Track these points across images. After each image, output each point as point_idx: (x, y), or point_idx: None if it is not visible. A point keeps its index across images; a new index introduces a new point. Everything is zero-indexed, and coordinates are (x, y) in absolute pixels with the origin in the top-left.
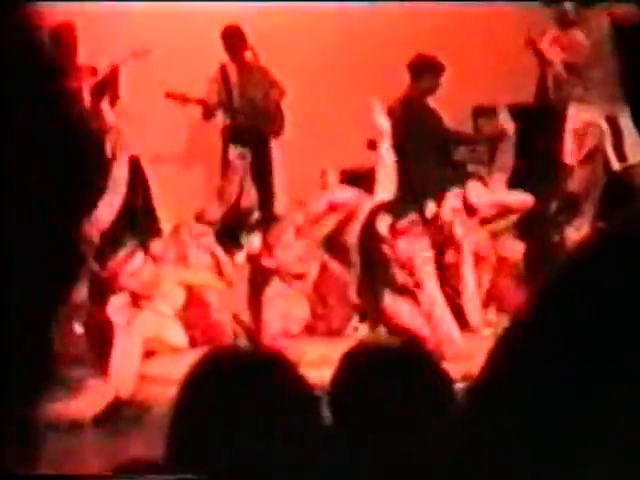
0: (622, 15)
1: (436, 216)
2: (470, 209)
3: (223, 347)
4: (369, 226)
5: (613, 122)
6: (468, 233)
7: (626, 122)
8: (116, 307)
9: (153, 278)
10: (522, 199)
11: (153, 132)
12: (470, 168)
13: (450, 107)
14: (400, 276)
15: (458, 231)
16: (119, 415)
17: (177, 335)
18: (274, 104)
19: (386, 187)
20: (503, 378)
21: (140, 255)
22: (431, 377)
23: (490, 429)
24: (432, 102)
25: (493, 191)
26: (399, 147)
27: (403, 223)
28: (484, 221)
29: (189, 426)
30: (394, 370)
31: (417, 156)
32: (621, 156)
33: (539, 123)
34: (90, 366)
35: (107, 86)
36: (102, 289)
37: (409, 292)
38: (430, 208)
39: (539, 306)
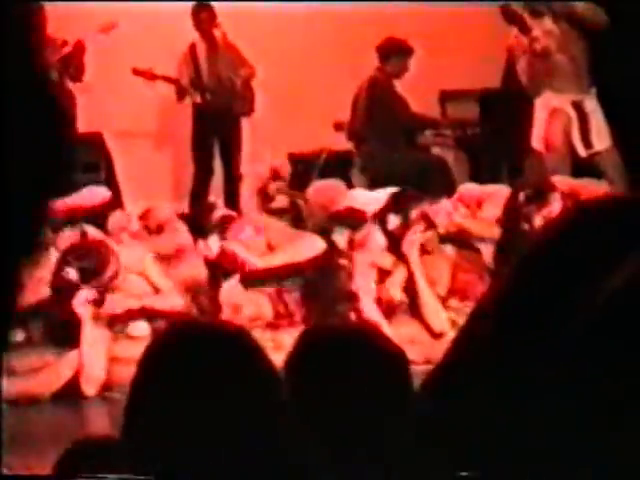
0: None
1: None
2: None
3: (183, 321)
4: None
5: (579, 108)
6: (414, 240)
7: (592, 107)
8: (81, 301)
9: (116, 272)
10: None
11: (123, 109)
12: (435, 151)
13: (417, 91)
14: (348, 285)
15: (407, 241)
16: (78, 393)
17: (140, 326)
18: (244, 83)
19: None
20: (468, 361)
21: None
22: (387, 358)
23: (454, 412)
24: (399, 86)
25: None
26: (364, 131)
27: (359, 236)
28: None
29: (145, 403)
30: (349, 350)
31: (382, 140)
32: (587, 143)
33: (506, 109)
34: (55, 349)
35: (72, 60)
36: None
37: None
38: (393, 222)
39: (507, 287)
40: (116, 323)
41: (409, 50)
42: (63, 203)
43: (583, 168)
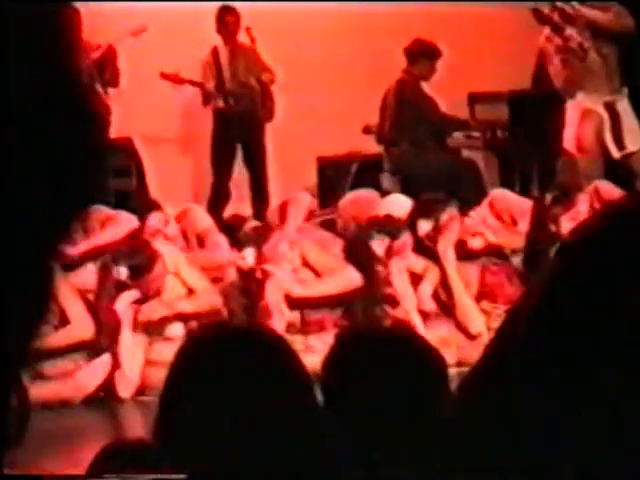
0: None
1: (428, 236)
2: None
3: (215, 324)
4: (363, 244)
5: (611, 108)
6: (447, 241)
7: (624, 108)
8: (125, 302)
9: (161, 273)
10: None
11: (148, 114)
12: (465, 153)
13: (446, 94)
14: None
15: (440, 247)
16: (110, 396)
17: (174, 328)
18: (265, 89)
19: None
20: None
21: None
22: (423, 360)
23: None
24: (427, 88)
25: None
26: (394, 133)
27: (398, 244)
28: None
29: (177, 406)
30: (387, 353)
31: (412, 142)
32: (620, 144)
33: (536, 111)
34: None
35: (105, 65)
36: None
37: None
38: (424, 228)
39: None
40: (152, 326)
41: (437, 52)
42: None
43: (616, 170)
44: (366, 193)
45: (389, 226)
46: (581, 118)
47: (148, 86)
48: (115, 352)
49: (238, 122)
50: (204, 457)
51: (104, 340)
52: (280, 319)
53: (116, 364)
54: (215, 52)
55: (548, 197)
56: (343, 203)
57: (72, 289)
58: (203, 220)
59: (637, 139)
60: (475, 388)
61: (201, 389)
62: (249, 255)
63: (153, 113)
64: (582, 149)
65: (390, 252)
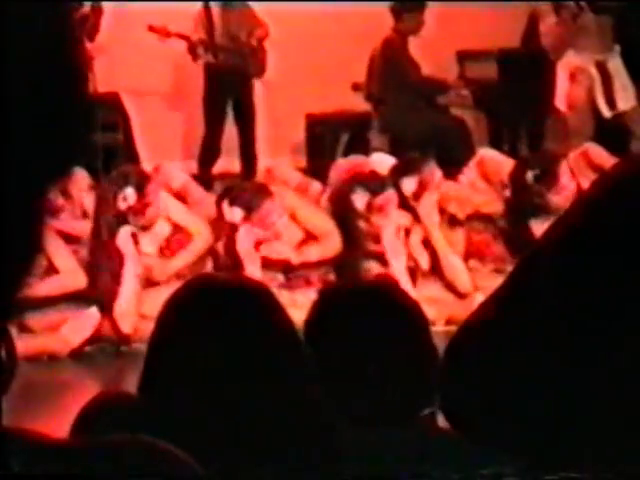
0: None
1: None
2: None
3: (203, 276)
4: (344, 199)
5: (602, 67)
6: (428, 203)
7: (616, 66)
8: (125, 238)
9: (155, 212)
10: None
11: (137, 68)
12: (454, 111)
13: (435, 52)
14: (374, 247)
15: (422, 210)
16: (98, 349)
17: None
18: (258, 44)
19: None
20: (501, 322)
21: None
22: (405, 314)
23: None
24: (417, 46)
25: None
26: (380, 92)
27: (379, 200)
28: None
29: (164, 358)
30: (369, 308)
31: (399, 101)
32: (611, 103)
33: (526, 69)
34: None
35: (88, 20)
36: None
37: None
38: (408, 187)
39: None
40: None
41: (421, 4)
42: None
43: (607, 130)
44: (358, 159)
45: (372, 182)
46: (572, 76)
47: (138, 40)
48: (110, 298)
49: (229, 77)
50: (189, 410)
51: (99, 290)
52: (254, 267)
53: (110, 307)
54: (207, 6)
55: (529, 175)
56: (334, 168)
57: (58, 236)
58: (178, 177)
59: (629, 98)
60: (472, 347)
61: (188, 341)
62: (237, 214)
63: (142, 67)
64: (572, 107)
65: (371, 207)
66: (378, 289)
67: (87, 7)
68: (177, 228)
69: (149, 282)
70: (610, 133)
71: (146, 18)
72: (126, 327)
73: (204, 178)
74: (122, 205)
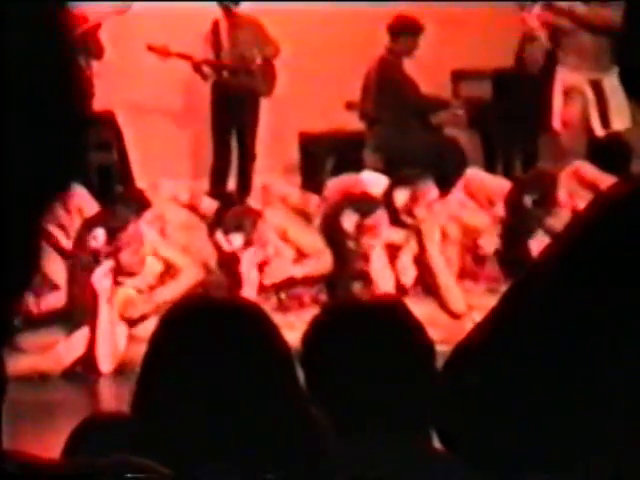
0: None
1: (406, 207)
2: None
3: (197, 296)
4: (334, 220)
5: (597, 87)
6: (430, 216)
7: (612, 86)
8: (100, 276)
9: (142, 255)
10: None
11: (137, 86)
12: (448, 131)
13: (430, 71)
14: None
15: (425, 227)
16: (89, 369)
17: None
18: (267, 62)
19: None
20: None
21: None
22: (410, 337)
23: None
24: (412, 65)
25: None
26: (375, 112)
27: (369, 221)
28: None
29: (157, 378)
30: (372, 328)
31: (393, 120)
32: (605, 122)
33: (520, 88)
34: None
35: (90, 38)
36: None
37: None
38: (400, 199)
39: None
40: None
41: (419, 28)
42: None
43: (600, 149)
44: (350, 178)
45: (362, 204)
46: (566, 95)
47: (144, 59)
48: (93, 326)
49: (235, 95)
50: (183, 430)
51: (79, 312)
52: (251, 289)
53: (94, 338)
54: (215, 25)
55: (528, 200)
56: (327, 187)
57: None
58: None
59: (624, 118)
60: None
61: (180, 362)
62: (236, 241)
63: (143, 85)
64: (566, 125)
65: (361, 228)
66: (383, 308)
67: (88, 24)
68: (168, 265)
69: (136, 318)
70: (605, 152)
71: (148, 35)
72: (105, 367)
73: (217, 195)
74: (93, 244)
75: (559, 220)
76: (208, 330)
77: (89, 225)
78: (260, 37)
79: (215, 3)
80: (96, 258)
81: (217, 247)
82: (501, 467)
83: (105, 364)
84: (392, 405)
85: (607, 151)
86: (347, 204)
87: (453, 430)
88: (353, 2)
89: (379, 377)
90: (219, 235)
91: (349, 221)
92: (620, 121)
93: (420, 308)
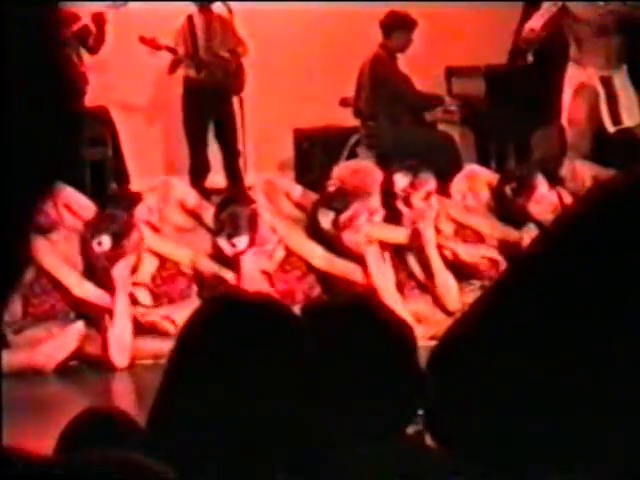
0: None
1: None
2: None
3: (219, 296)
4: (314, 222)
5: (608, 83)
6: (427, 220)
7: (622, 84)
8: (121, 269)
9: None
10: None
11: (125, 83)
12: (441, 127)
13: (423, 68)
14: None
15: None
16: (83, 364)
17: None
18: (237, 61)
19: None
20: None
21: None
22: (389, 331)
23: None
24: (405, 62)
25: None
26: (369, 108)
27: (345, 216)
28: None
29: (182, 379)
30: (350, 325)
31: (387, 117)
32: (616, 119)
33: (514, 85)
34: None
35: (89, 33)
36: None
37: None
38: (400, 184)
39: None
40: None
41: (412, 23)
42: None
43: (610, 145)
44: (364, 163)
45: (335, 201)
46: (575, 92)
47: (125, 54)
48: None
49: (208, 93)
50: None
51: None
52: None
53: (105, 333)
54: (190, 20)
55: (507, 190)
56: (340, 173)
57: (56, 255)
58: (189, 195)
59: (634, 114)
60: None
61: (207, 362)
62: (241, 243)
63: (129, 81)
64: (572, 121)
65: (338, 225)
66: (360, 306)
67: (87, 18)
68: (164, 260)
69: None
70: (612, 148)
71: (135, 30)
72: (121, 362)
73: (199, 192)
74: (97, 249)
75: (544, 210)
76: (241, 330)
77: (93, 232)
78: (230, 35)
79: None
80: (101, 261)
81: (218, 250)
82: (489, 462)
83: (122, 359)
84: (374, 401)
85: (617, 147)
86: (320, 204)
87: (441, 425)
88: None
89: (358, 373)
90: (221, 241)
91: (326, 220)
92: (630, 117)
93: (413, 305)
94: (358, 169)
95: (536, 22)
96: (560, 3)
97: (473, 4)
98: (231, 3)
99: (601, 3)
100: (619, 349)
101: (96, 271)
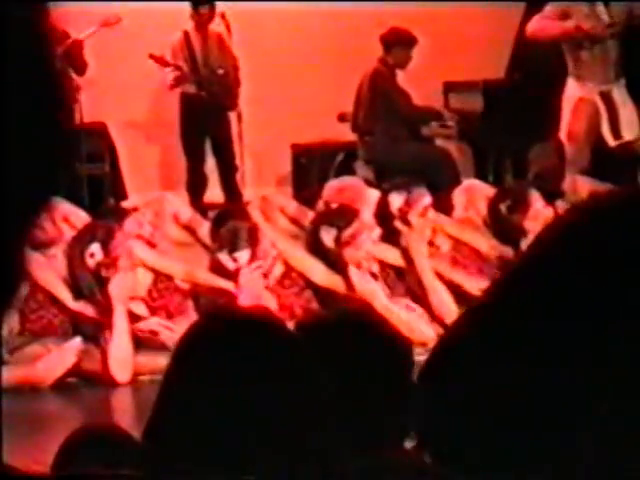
0: None
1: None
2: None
3: (217, 311)
4: (315, 238)
5: (607, 98)
6: (420, 238)
7: (621, 98)
8: (118, 284)
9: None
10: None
11: (123, 99)
12: (439, 142)
13: (421, 82)
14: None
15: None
16: (81, 380)
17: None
18: (233, 76)
19: None
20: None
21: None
22: (386, 346)
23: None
24: (403, 77)
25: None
26: (368, 123)
27: (347, 233)
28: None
29: (179, 394)
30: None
31: (385, 132)
32: (616, 133)
33: (511, 100)
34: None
35: (73, 55)
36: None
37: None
38: (396, 203)
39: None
40: None
41: (412, 40)
42: None
43: (609, 159)
44: (351, 181)
45: (337, 219)
46: (575, 107)
47: (121, 71)
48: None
49: (208, 109)
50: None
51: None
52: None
53: (106, 348)
54: (187, 36)
55: (502, 208)
56: (327, 191)
57: (54, 270)
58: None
59: (634, 128)
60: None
61: (204, 378)
62: (243, 257)
63: (127, 98)
64: (572, 137)
65: (340, 242)
66: (356, 321)
67: (70, 40)
68: (159, 274)
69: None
70: (611, 163)
71: (131, 46)
72: (122, 377)
73: (196, 207)
74: (90, 262)
75: (540, 226)
76: (236, 346)
77: (82, 245)
78: (226, 52)
79: (186, 17)
80: (97, 274)
81: (218, 265)
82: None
83: (123, 374)
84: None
85: (616, 162)
86: (321, 221)
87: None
88: (347, 3)
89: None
90: (222, 256)
91: (328, 237)
92: (630, 131)
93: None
94: (345, 187)
95: (547, 25)
96: (573, 22)
97: (471, 19)
98: (228, 16)
99: (604, 16)
100: (610, 361)
101: (89, 287)
